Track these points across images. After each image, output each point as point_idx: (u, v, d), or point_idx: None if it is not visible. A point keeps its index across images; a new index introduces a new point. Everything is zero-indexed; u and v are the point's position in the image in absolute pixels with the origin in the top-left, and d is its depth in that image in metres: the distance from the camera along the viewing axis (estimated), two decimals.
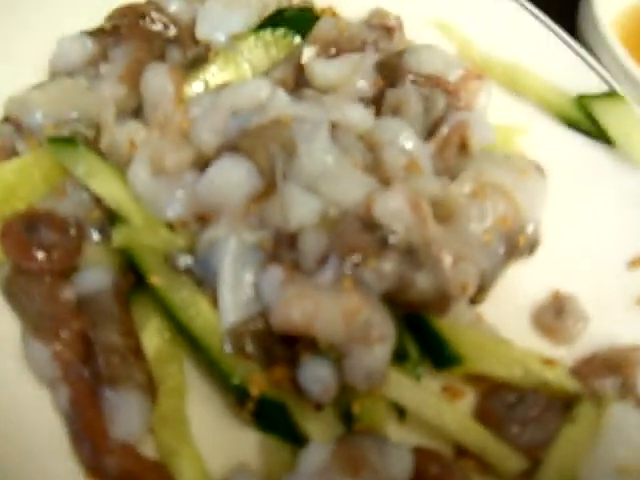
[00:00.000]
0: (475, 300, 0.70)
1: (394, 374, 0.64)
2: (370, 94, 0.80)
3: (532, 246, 0.74)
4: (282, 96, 0.74)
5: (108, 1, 0.85)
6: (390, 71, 0.81)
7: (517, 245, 0.72)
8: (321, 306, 0.60)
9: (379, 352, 0.60)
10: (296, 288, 0.62)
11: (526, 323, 0.75)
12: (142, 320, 0.67)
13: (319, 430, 0.62)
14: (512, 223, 0.71)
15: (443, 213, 0.69)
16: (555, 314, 0.74)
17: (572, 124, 0.84)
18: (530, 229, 0.73)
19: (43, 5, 0.83)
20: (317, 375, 0.61)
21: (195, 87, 0.77)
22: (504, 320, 0.72)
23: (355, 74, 0.81)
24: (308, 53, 0.84)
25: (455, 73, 0.80)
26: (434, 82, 0.78)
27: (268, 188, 0.68)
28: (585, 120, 0.82)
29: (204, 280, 0.67)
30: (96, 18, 0.84)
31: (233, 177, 0.67)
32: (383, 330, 0.61)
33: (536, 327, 0.74)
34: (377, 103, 0.80)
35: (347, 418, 0.63)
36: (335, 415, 0.64)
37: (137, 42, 0.80)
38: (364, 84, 0.80)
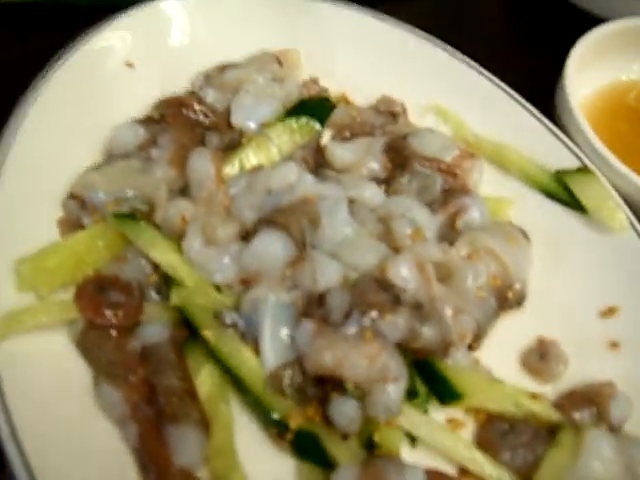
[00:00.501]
0: (472, 347, 0.78)
1: (407, 408, 0.71)
2: (381, 175, 0.88)
3: (519, 300, 0.81)
4: (308, 178, 0.82)
5: (154, 93, 0.92)
6: (396, 153, 0.88)
7: (506, 299, 0.80)
8: (347, 353, 0.67)
9: (395, 390, 0.68)
10: (326, 338, 0.69)
11: (515, 365, 0.81)
12: (196, 367, 0.72)
13: (346, 455, 0.68)
14: (502, 281, 0.79)
15: (444, 273, 0.78)
16: (540, 357, 0.80)
17: (551, 195, 0.89)
18: (517, 286, 0.80)
19: (99, 96, 0.89)
20: (344, 410, 0.68)
21: (232, 169, 0.84)
22: (497, 363, 0.79)
23: (367, 156, 0.88)
24: (326, 137, 0.91)
25: (451, 153, 0.87)
26: (434, 165, 0.85)
27: (299, 255, 0.76)
28: (562, 192, 0.87)
29: (247, 333, 0.73)
30: (145, 108, 0.91)
31: (272, 248, 0.75)
32: (397, 372, 0.69)
33: (523, 368, 0.80)
34: (386, 182, 0.88)
35: (369, 445, 0.70)
36: (359, 443, 0.70)
37: (181, 129, 0.86)
38: (375, 165, 0.88)
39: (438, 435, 0.72)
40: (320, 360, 0.68)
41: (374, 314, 0.71)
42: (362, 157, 0.88)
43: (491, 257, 0.80)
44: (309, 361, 0.69)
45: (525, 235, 0.84)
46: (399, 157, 0.88)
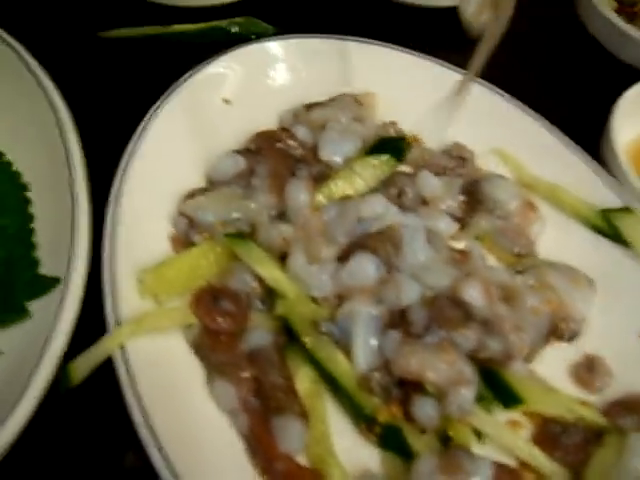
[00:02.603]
0: (528, 359, 0.86)
1: (476, 409, 0.79)
2: (457, 213, 0.97)
3: (572, 335, 0.90)
4: (393, 209, 0.91)
5: (249, 127, 1.01)
6: (470, 195, 0.98)
7: (558, 329, 0.88)
8: (429, 359, 0.77)
9: (468, 392, 0.77)
10: (411, 346, 0.78)
11: (566, 377, 0.89)
12: (295, 367, 0.80)
13: (425, 447, 0.76)
14: (556, 312, 0.88)
15: (508, 296, 0.87)
16: (587, 370, 0.88)
17: (599, 231, 0.97)
18: (572, 324, 0.88)
19: (203, 128, 0.98)
20: (425, 408, 0.77)
21: (323, 198, 0.92)
22: (550, 374, 0.87)
23: (447, 193, 0.98)
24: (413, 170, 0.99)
25: (516, 202, 0.98)
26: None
27: (387, 276, 0.85)
28: (608, 228, 0.96)
29: (341, 340, 0.81)
30: (241, 141, 1.00)
31: (366, 268, 0.84)
32: (470, 377, 0.78)
33: (573, 379, 0.89)
34: (460, 221, 0.97)
35: (444, 439, 0.78)
36: (435, 437, 0.78)
37: (276, 160, 0.95)
38: (453, 203, 0.97)
39: (502, 433, 0.80)
40: (406, 364, 0.77)
41: (449, 327, 0.80)
42: (444, 193, 0.98)
43: (551, 291, 0.88)
44: (396, 365, 0.78)
45: (591, 282, 0.92)
46: (473, 199, 0.98)
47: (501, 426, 0.81)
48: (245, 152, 0.96)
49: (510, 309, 0.85)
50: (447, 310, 0.82)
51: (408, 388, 0.79)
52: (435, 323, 0.80)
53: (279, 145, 0.97)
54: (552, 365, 0.88)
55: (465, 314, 0.82)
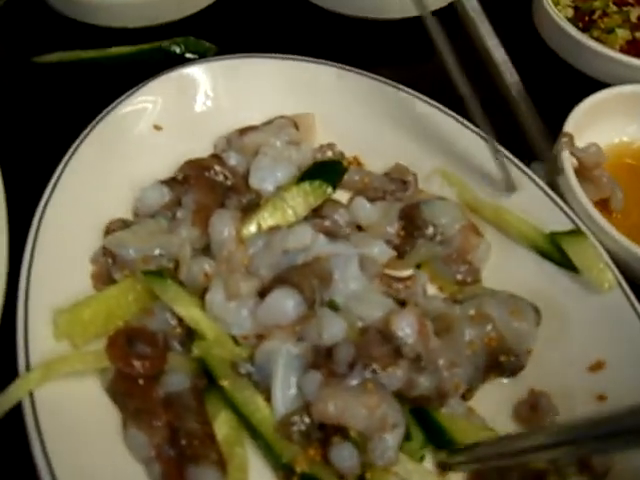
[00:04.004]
0: (466, 397, 0.84)
1: (402, 456, 0.77)
2: (396, 241, 0.95)
3: (514, 370, 0.87)
4: (322, 239, 0.88)
5: (180, 154, 0.99)
6: (409, 221, 0.96)
7: (499, 363, 0.86)
8: (349, 403, 0.74)
9: (392, 439, 0.75)
10: (331, 389, 0.75)
11: (507, 415, 0.86)
12: (214, 412, 0.79)
13: None
14: (497, 346, 0.85)
15: (442, 327, 0.85)
16: (530, 408, 0.84)
17: (545, 255, 0.94)
18: (513, 358, 0.86)
19: (129, 158, 0.97)
20: (344, 454, 0.75)
21: (251, 229, 0.90)
22: (490, 412, 0.84)
23: (385, 219, 0.95)
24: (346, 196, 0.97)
25: (459, 224, 0.95)
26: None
27: (309, 311, 0.82)
28: (556, 252, 0.92)
29: (260, 382, 0.79)
30: (171, 169, 0.98)
31: (284, 304, 0.81)
32: (396, 420, 0.75)
33: (515, 418, 0.85)
34: (398, 249, 0.95)
35: None
36: None
37: (203, 190, 0.93)
38: (391, 230, 0.95)
39: None
40: (325, 409, 0.74)
41: (375, 366, 0.78)
42: (381, 219, 0.96)
43: (492, 323, 0.86)
44: (315, 409, 0.75)
45: (537, 311, 0.89)
46: (411, 225, 0.96)
47: (428, 475, 0.79)
48: (172, 182, 0.95)
49: (445, 343, 0.84)
50: (375, 346, 0.80)
51: (329, 431, 0.77)
52: (361, 361, 0.78)
53: (208, 174, 0.96)
54: (493, 402, 0.86)
55: (395, 350, 0.80)
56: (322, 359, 0.80)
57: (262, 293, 0.84)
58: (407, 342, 0.79)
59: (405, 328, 0.80)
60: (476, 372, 0.84)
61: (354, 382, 0.77)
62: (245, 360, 0.81)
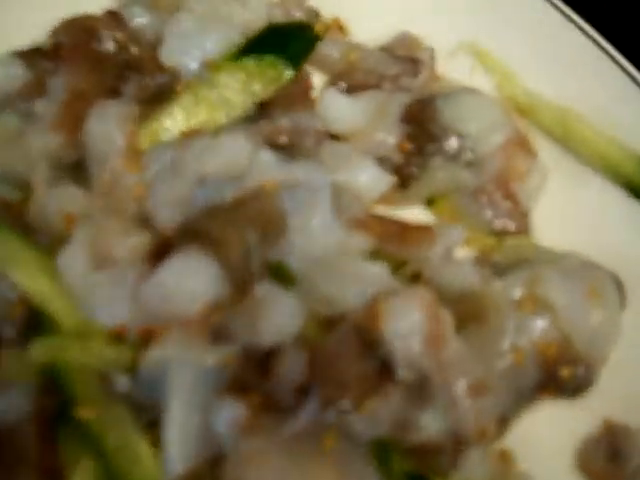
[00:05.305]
0: (496, 435, 0.62)
1: None
2: (397, 159, 0.73)
3: (579, 387, 0.65)
4: (268, 157, 0.67)
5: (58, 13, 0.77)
6: (418, 125, 0.73)
7: (556, 379, 0.64)
8: (284, 476, 0.54)
9: None
10: (257, 441, 0.55)
11: (569, 466, 0.63)
12: (68, 462, 0.59)
13: None
14: (556, 353, 0.63)
15: (467, 317, 0.62)
16: (608, 454, 0.63)
17: (636, 191, 0.74)
18: (581, 368, 0.64)
19: None
20: None
21: (154, 136, 0.69)
22: (540, 462, 0.62)
23: (378, 123, 0.74)
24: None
25: (496, 137, 0.72)
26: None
27: (237, 292, 0.61)
28: None
29: (146, 411, 0.59)
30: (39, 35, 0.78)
31: (190, 279, 0.60)
32: None
33: (582, 472, 0.63)
34: (400, 172, 0.72)
35: None
36: None
37: (83, 69, 0.72)
38: (389, 140, 0.72)
39: None
40: (242, 476, 0.55)
41: (345, 404, 0.55)
42: (373, 124, 0.73)
43: (550, 316, 0.64)
44: (227, 473, 0.55)
45: (621, 289, 0.68)
46: (422, 133, 0.73)
47: None
48: (34, 55, 0.75)
49: (470, 346, 0.61)
50: (348, 358, 0.57)
51: None
52: (320, 386, 0.56)
53: (93, 43, 0.75)
54: (545, 445, 0.63)
55: (382, 367, 0.57)
56: (253, 375, 0.59)
57: (157, 256, 0.63)
58: (404, 354, 0.57)
59: (403, 327, 0.57)
60: (518, 398, 0.63)
61: (302, 425, 0.56)
62: (122, 371, 0.61)
